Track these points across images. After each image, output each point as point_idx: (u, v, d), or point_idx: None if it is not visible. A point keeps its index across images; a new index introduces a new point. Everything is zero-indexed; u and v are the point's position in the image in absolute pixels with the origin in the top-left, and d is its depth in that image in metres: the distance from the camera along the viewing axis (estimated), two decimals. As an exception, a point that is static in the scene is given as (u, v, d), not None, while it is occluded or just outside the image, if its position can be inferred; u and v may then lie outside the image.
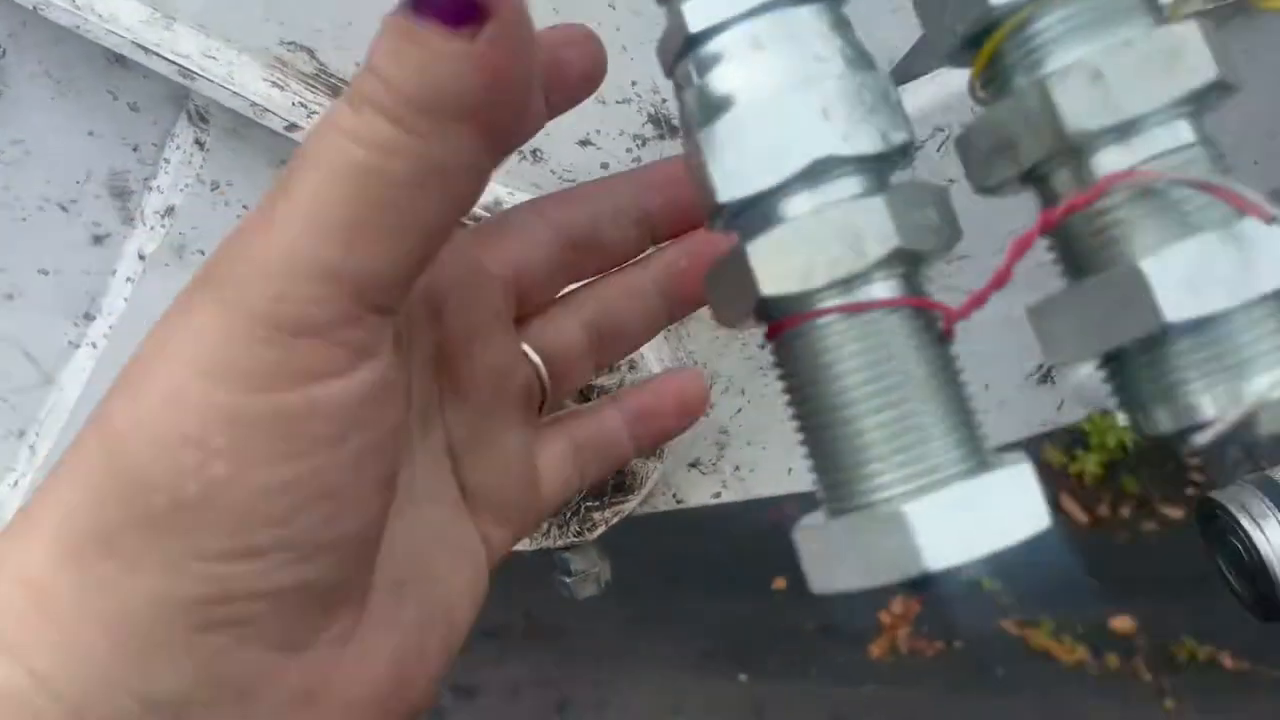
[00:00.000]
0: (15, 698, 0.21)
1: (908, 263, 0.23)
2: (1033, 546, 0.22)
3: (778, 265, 0.22)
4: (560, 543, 0.50)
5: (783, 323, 0.23)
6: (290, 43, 0.46)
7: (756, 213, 0.23)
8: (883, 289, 0.23)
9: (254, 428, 0.21)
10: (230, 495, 0.21)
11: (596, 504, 0.49)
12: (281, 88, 0.46)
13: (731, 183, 0.23)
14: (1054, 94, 0.22)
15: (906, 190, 0.23)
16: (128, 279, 0.52)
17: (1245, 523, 0.42)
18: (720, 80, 0.23)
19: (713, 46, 0.23)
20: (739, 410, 0.50)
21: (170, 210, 0.50)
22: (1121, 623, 2.66)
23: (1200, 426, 0.22)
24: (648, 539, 2.61)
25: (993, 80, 0.24)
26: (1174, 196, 0.22)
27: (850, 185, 0.23)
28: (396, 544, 0.27)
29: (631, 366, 0.46)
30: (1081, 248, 0.24)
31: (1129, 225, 0.22)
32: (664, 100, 0.47)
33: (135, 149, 0.49)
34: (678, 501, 0.51)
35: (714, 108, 0.23)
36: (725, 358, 0.48)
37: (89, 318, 0.53)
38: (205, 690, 0.22)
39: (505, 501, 0.31)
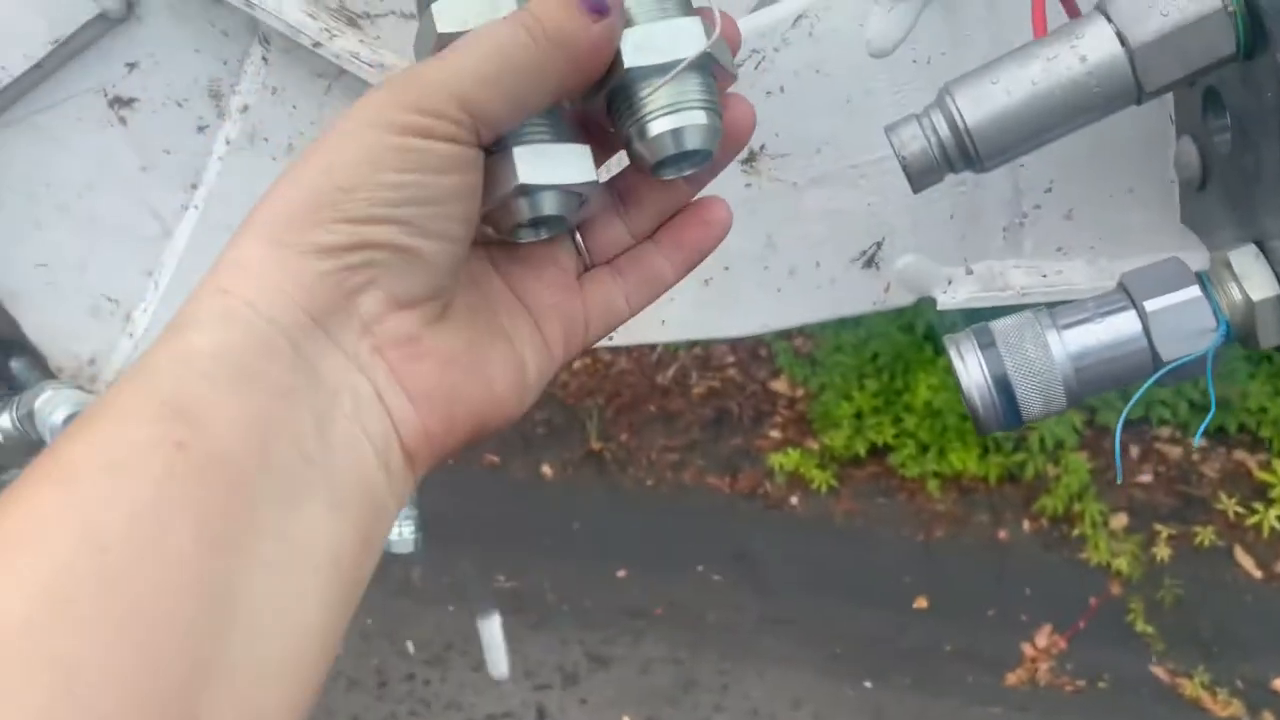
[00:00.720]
0: (236, 313, 0.35)
1: None
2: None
3: (447, 17, 0.38)
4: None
5: None
6: (321, -15, 0.66)
7: None
8: None
9: (390, 151, 0.36)
10: (369, 185, 0.36)
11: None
12: (314, 17, 0.66)
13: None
14: None
15: None
16: (219, 158, 0.73)
17: (954, 356, 0.53)
18: None
19: None
20: (620, 267, 0.65)
21: (246, 108, 0.71)
22: (1286, 684, 2.51)
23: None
24: (795, 546, 2.71)
25: None
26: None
27: None
28: (471, 289, 0.41)
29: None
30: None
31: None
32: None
33: (225, 63, 0.71)
34: (581, 341, 0.67)
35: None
36: (606, 223, 0.64)
37: (194, 187, 0.75)
38: (344, 309, 0.37)
39: (544, 308, 0.43)
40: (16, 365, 0.82)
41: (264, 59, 0.70)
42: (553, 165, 0.38)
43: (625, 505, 3.10)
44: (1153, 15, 0.46)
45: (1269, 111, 0.46)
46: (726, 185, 0.63)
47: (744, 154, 0.62)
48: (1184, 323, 0.51)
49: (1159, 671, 2.60)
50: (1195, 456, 2.95)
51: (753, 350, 3.30)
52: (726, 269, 0.64)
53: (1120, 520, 2.87)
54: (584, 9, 0.37)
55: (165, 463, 0.32)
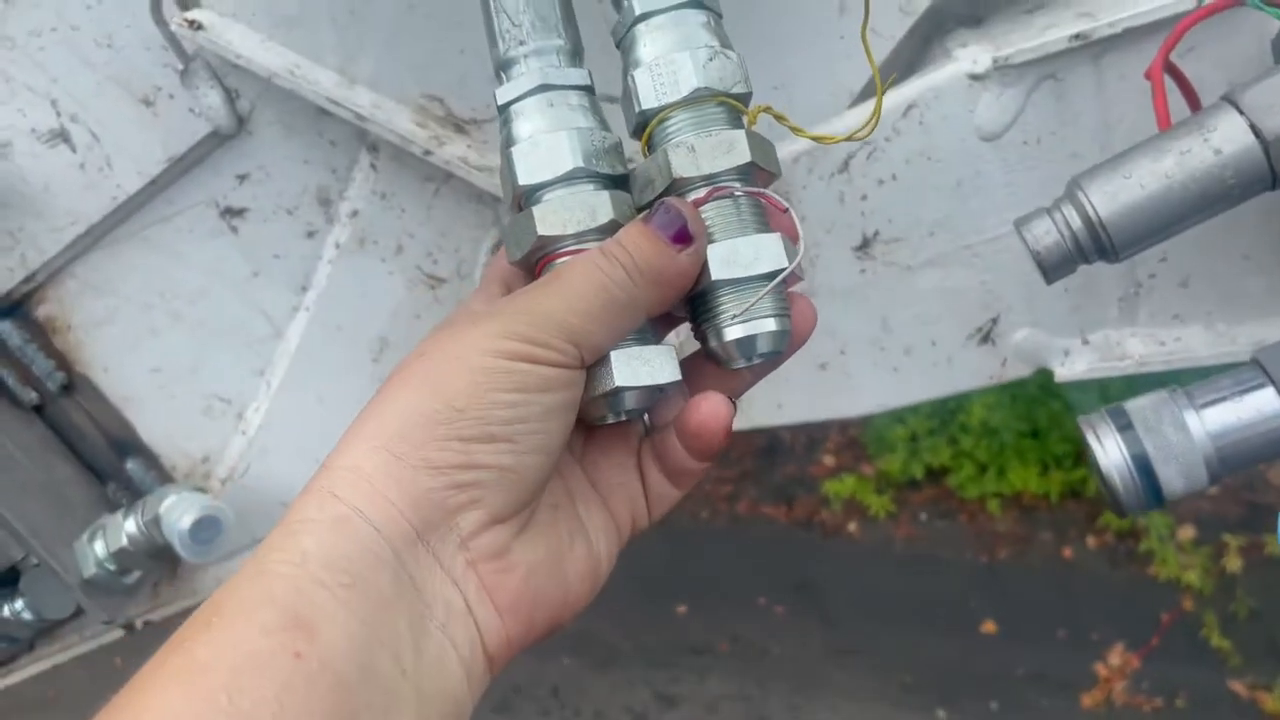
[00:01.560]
0: (347, 521, 0.38)
1: (615, 230, 0.43)
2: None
3: (550, 220, 0.41)
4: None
5: (543, 259, 0.42)
6: (428, 95, 0.68)
7: (538, 194, 0.44)
8: (598, 242, 0.43)
9: (501, 374, 0.40)
10: (482, 405, 0.40)
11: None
12: (423, 126, 0.68)
13: (532, 172, 0.43)
14: (670, 156, 0.42)
15: (622, 194, 0.44)
16: (329, 261, 0.75)
17: (1090, 439, 0.53)
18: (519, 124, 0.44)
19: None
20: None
21: (355, 213, 0.73)
22: (1372, 695, 2.45)
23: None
24: (856, 574, 2.69)
25: (648, 147, 0.45)
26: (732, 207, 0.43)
27: (589, 184, 0.43)
28: (554, 490, 0.45)
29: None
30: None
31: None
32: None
33: (334, 171, 0.72)
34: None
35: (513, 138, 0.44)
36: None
37: (304, 289, 0.77)
38: (444, 525, 0.40)
39: (613, 488, 0.47)
40: (132, 465, 0.84)
41: (372, 166, 0.71)
42: (645, 368, 0.42)
43: (681, 539, 3.10)
44: (1287, 105, 0.46)
45: None
46: (841, 273, 0.64)
47: (858, 240, 0.63)
48: (1327, 400, 0.51)
49: (1237, 686, 2.55)
50: (1262, 465, 2.90)
51: (800, 377, 3.27)
52: (842, 353, 0.65)
53: (1187, 532, 2.83)
54: (670, 241, 0.41)
55: (284, 673, 0.34)
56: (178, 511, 0.74)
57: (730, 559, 2.96)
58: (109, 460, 0.84)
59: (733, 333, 0.42)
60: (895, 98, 0.59)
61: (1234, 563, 2.65)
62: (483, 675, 0.41)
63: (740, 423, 0.68)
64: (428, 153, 0.67)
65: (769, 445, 3.17)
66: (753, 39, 0.63)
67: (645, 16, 0.44)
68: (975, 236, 0.62)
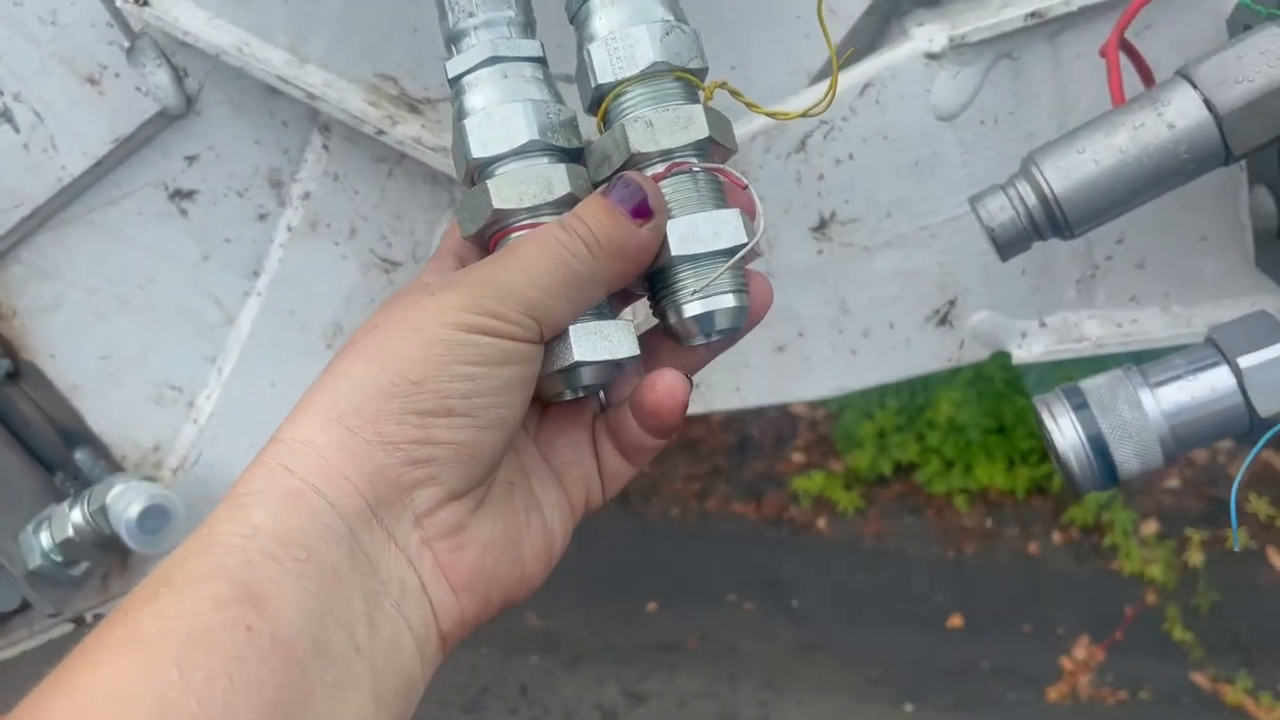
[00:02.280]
0: (300, 495, 0.37)
1: (571, 204, 0.42)
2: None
3: (505, 193, 0.40)
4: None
5: (498, 233, 0.41)
6: (381, 74, 0.67)
7: (492, 167, 0.42)
8: (554, 216, 0.42)
9: (460, 347, 0.39)
10: (439, 379, 0.39)
11: (587, 407, 0.66)
12: (375, 106, 0.67)
13: (485, 145, 0.42)
14: (628, 131, 0.42)
15: (579, 168, 0.43)
16: (281, 245, 0.74)
17: (1046, 418, 0.53)
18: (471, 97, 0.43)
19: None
20: (694, 338, 0.65)
21: (307, 195, 0.72)
22: (1331, 685, 2.49)
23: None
24: (825, 570, 2.70)
25: (604, 123, 0.44)
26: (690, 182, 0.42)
27: (545, 157, 0.43)
28: (510, 460, 0.44)
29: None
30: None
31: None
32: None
33: (285, 152, 0.71)
34: (655, 412, 0.67)
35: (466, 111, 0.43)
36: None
37: (255, 274, 0.75)
38: (399, 502, 0.39)
39: (568, 465, 0.46)
40: (81, 456, 0.82)
41: (325, 147, 0.70)
42: (604, 343, 0.41)
43: (651, 537, 3.10)
44: (1239, 80, 0.46)
45: (1358, 168, 0.46)
46: (798, 254, 0.64)
47: (815, 221, 0.62)
48: (1278, 376, 0.51)
49: (1200, 679, 2.58)
50: (1222, 459, 2.95)
51: (770, 374, 3.28)
52: (800, 335, 0.64)
53: (1151, 527, 2.86)
54: (630, 215, 0.41)
55: (236, 647, 0.33)
56: (125, 500, 0.73)
57: (700, 556, 2.95)
58: (57, 449, 0.82)
59: (692, 309, 0.42)
60: (852, 77, 0.59)
61: (1196, 557, 2.68)
62: (436, 653, 0.41)
63: (698, 406, 0.67)
64: (380, 132, 0.66)
65: (739, 442, 3.17)
66: (710, 17, 0.62)
67: None
68: (932, 217, 0.61)
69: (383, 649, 0.38)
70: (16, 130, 0.69)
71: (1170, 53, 0.56)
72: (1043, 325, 0.64)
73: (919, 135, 0.60)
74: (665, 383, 0.43)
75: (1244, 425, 0.52)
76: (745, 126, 0.60)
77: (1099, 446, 0.52)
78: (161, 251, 0.74)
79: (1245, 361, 0.51)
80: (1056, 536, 2.85)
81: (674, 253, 0.41)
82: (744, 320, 0.43)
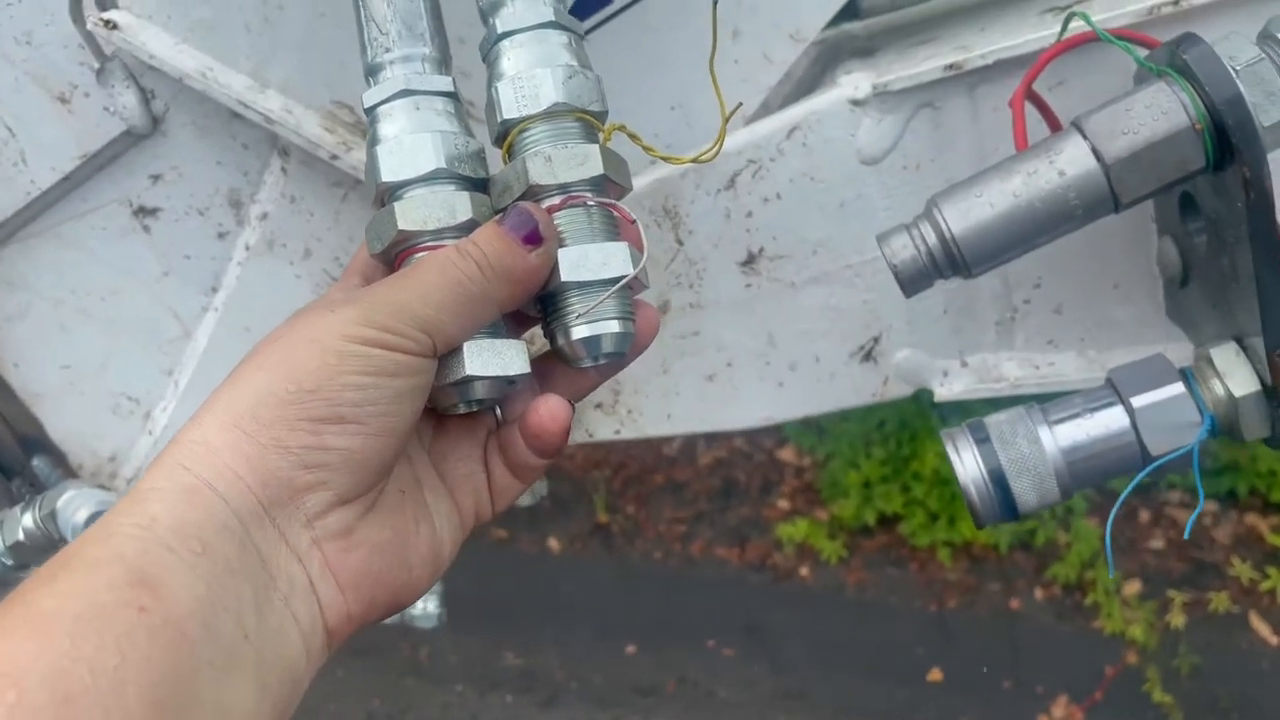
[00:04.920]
0: (196, 492, 0.39)
1: (472, 229, 0.45)
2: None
3: (410, 215, 0.43)
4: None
5: (402, 253, 0.44)
6: (337, 101, 0.70)
7: (400, 191, 0.46)
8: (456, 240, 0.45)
9: (354, 358, 0.41)
10: (332, 387, 0.41)
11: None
12: (331, 131, 0.70)
13: (395, 170, 0.45)
14: (528, 164, 0.45)
15: (482, 196, 0.46)
16: (238, 263, 0.76)
17: (950, 451, 0.55)
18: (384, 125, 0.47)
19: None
20: (626, 365, 0.67)
21: (265, 215, 0.74)
22: (1313, 755, 2.46)
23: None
24: (806, 618, 2.69)
25: (508, 155, 0.47)
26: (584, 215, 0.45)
27: (450, 185, 0.45)
28: (403, 467, 0.46)
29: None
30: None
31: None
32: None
33: (245, 173, 0.74)
34: (589, 435, 0.69)
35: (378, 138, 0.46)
36: (612, 323, 0.66)
37: (214, 290, 0.78)
38: (291, 503, 0.41)
39: (459, 478, 0.48)
40: (38, 463, 0.84)
41: (283, 170, 0.73)
42: (496, 360, 0.44)
43: (633, 579, 3.09)
44: (1125, 132, 0.48)
45: (1240, 219, 0.48)
46: (727, 287, 0.66)
47: (743, 256, 0.64)
48: (1170, 418, 0.53)
49: (1185, 745, 2.56)
50: (1207, 521, 2.94)
51: (759, 420, 3.29)
52: (729, 365, 0.66)
53: (1134, 587, 2.85)
54: (521, 241, 0.43)
55: (128, 624, 0.35)
56: (74, 506, 0.75)
57: (682, 600, 2.95)
58: (15, 456, 0.84)
59: (579, 332, 0.45)
60: (780, 120, 0.62)
61: (1178, 619, 2.66)
62: (322, 648, 0.43)
63: (631, 433, 0.69)
64: (335, 157, 0.69)
65: (724, 487, 3.17)
66: (650, 60, 0.65)
67: (509, 34, 0.47)
68: (856, 256, 0.64)
69: (269, 638, 0.39)
70: (-11, 144, 0.72)
71: (1082, 106, 0.58)
72: (964, 365, 0.66)
73: (844, 178, 0.62)
74: (548, 408, 0.46)
75: (1137, 463, 0.53)
76: (674, 167, 0.62)
77: (998, 479, 0.54)
78: (124, 266, 0.77)
79: (1138, 402, 0.53)
80: (1039, 593, 2.84)
81: (564, 278, 0.44)
82: (628, 345, 0.46)
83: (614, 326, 0.44)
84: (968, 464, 0.54)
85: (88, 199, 0.75)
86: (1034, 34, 0.58)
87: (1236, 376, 0.52)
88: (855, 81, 0.61)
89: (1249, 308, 0.50)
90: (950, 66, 0.59)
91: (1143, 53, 0.52)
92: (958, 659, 2.73)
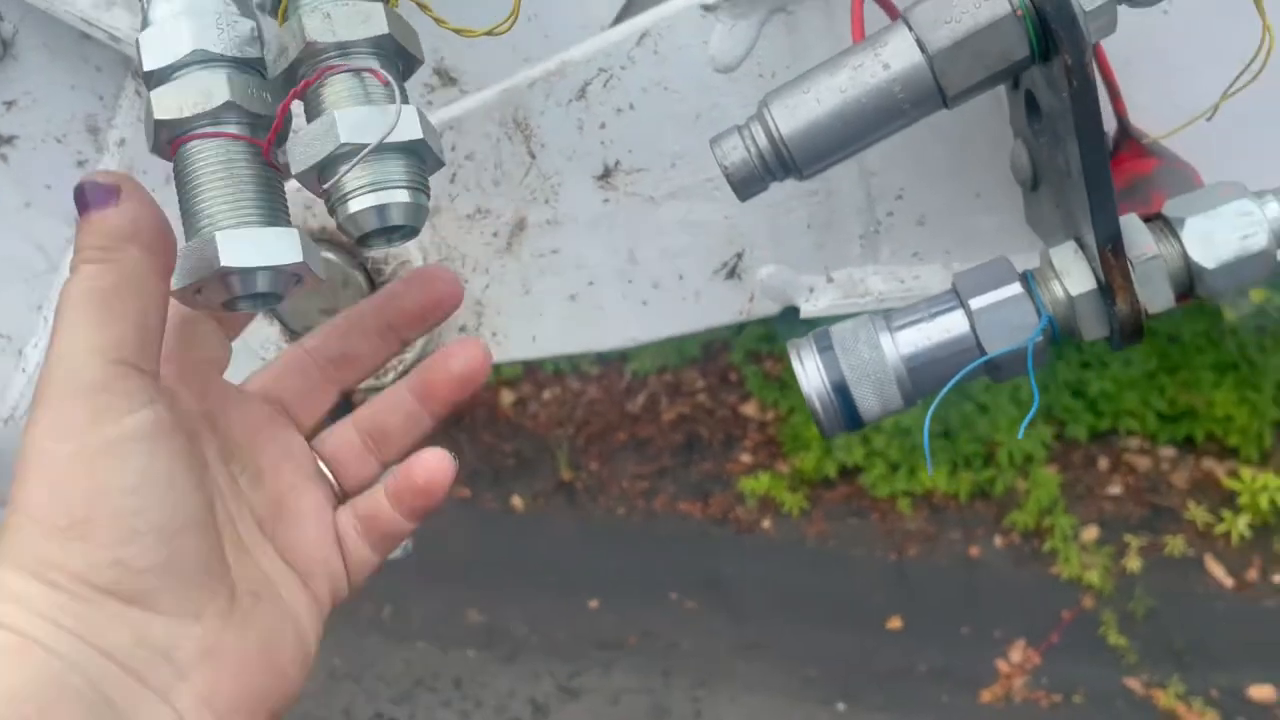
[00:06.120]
0: (22, 652, 0.34)
1: (240, 115, 0.41)
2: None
3: (166, 103, 0.41)
4: (363, 386, 0.67)
5: (174, 142, 0.42)
6: (187, 20, 0.68)
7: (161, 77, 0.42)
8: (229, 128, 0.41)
9: (99, 455, 0.36)
10: (105, 507, 0.36)
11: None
12: (183, 51, 0.68)
13: (155, 57, 0.42)
14: (305, 21, 0.40)
15: (250, 80, 0.42)
16: (101, 193, 0.74)
17: (794, 361, 0.54)
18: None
19: None
20: (486, 286, 0.66)
21: (123, 141, 0.72)
22: (1261, 691, 2.50)
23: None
24: (768, 570, 2.70)
25: (284, 16, 0.43)
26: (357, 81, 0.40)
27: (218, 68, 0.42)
28: (246, 568, 0.41)
29: (402, 264, 0.64)
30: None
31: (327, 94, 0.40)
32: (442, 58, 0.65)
33: (100, 98, 0.72)
34: (454, 360, 0.68)
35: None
36: (469, 242, 0.65)
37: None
38: (140, 650, 0.36)
39: (312, 564, 0.45)
40: (-86, 405, 0.82)
41: (138, 93, 0.71)
42: (259, 248, 0.40)
43: (597, 535, 3.10)
44: (948, 21, 0.47)
45: (1067, 110, 0.47)
46: (584, 202, 0.65)
47: (599, 169, 0.63)
48: (1007, 318, 0.52)
49: (1133, 683, 2.59)
50: (1165, 466, 2.97)
51: (722, 374, 3.31)
52: (591, 284, 0.65)
53: (1091, 533, 2.88)
54: (92, 211, 0.40)
55: None
56: (-62, 443, 0.73)
57: (645, 555, 2.96)
58: (-111, 398, 0.82)
59: (358, 204, 0.39)
60: (630, 27, 0.60)
61: (1134, 563, 2.69)
62: None
63: (498, 355, 0.68)
64: (186, 79, 0.67)
65: (687, 443, 3.18)
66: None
67: None
68: (716, 170, 0.62)
69: None
70: None
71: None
72: (830, 280, 0.65)
73: (699, 87, 0.61)
74: (430, 460, 0.44)
75: (978, 368, 0.53)
76: (524, 72, 0.61)
77: (839, 387, 0.53)
78: (-16, 198, 0.75)
79: (976, 303, 0.52)
80: (998, 540, 2.87)
81: (342, 140, 0.39)
82: (422, 220, 0.41)
83: (402, 195, 0.40)
84: (810, 373, 0.53)
85: (-59, 128, 0.73)
86: (882, -69, 0.56)
87: (1073, 275, 0.51)
88: (705, -14, 0.59)
89: (1083, 203, 0.49)
90: (798, -33, 0.57)
91: (978, -58, 0.51)
92: (917, 606, 2.75)
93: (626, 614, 2.83)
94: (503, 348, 0.66)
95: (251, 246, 0.40)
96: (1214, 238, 0.49)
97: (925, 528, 3.00)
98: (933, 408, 0.51)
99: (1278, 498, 2.71)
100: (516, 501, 3.17)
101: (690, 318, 0.65)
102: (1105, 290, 0.50)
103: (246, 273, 0.40)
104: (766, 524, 3.08)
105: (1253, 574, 2.76)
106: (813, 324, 0.57)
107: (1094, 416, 2.92)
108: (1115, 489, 2.99)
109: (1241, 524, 2.75)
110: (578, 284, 0.65)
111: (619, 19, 0.64)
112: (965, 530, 2.98)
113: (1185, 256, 0.50)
